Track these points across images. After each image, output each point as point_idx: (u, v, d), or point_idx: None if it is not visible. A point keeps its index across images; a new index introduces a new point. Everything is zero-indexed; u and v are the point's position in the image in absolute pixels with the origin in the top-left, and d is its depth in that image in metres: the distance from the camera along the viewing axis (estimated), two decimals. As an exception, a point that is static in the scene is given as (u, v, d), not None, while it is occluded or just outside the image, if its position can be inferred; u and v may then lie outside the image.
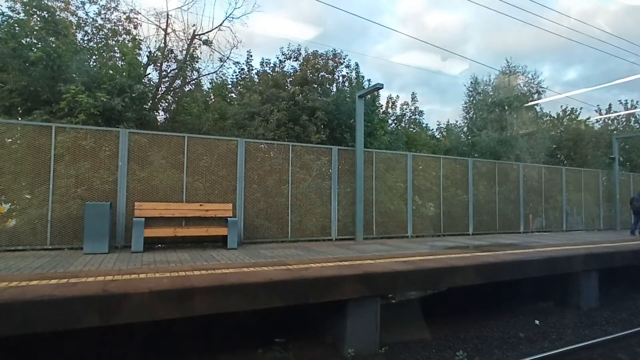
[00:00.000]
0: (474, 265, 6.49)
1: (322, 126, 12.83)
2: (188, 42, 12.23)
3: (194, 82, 14.72)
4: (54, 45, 9.18)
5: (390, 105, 20.60)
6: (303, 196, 9.25)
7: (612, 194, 15.54)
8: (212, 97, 15.44)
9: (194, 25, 12.60)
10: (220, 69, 15.06)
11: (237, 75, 15.02)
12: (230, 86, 15.70)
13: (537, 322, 6.81)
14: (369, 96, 15.61)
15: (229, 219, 7.73)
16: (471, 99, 21.69)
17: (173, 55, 12.72)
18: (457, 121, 22.84)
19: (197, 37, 12.40)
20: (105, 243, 6.71)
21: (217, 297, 4.55)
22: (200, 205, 7.96)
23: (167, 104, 14.24)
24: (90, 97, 8.60)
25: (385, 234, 10.22)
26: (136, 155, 7.82)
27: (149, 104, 10.53)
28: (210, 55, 12.97)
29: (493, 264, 6.72)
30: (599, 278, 8.08)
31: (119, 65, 10.03)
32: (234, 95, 15.33)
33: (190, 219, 7.93)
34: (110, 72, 9.32)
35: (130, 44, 10.91)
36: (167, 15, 12.99)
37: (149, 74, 11.81)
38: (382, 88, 9.49)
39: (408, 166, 10.69)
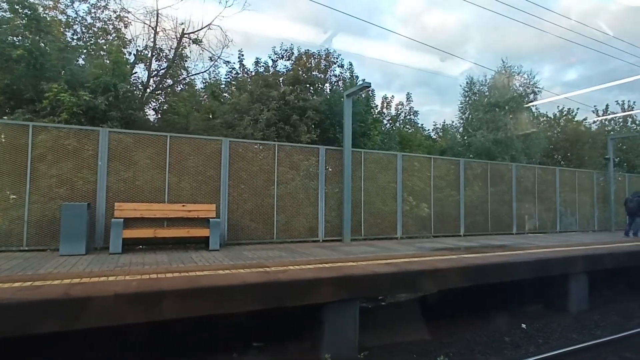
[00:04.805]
0: (459, 267, 6.35)
1: (313, 126, 12.68)
2: (177, 41, 12.09)
3: (185, 81, 14.64)
4: (36, 43, 9.04)
5: (385, 105, 20.51)
6: (290, 197, 9.10)
7: (607, 194, 15.39)
8: (204, 96, 15.32)
9: (182, 23, 12.46)
10: (213, 69, 14.99)
11: (229, 74, 14.91)
12: (224, 86, 15.59)
13: (523, 325, 6.66)
14: (362, 95, 15.56)
15: (211, 219, 7.59)
16: (467, 99, 21.52)
17: (163, 54, 12.60)
18: (453, 121, 22.69)
19: (186, 35, 12.27)
20: (82, 244, 6.57)
21: (187, 300, 4.40)
22: (183, 205, 7.82)
23: (158, 104, 14.14)
24: (72, 95, 8.46)
25: (374, 236, 10.06)
26: (118, 155, 7.68)
27: (136, 102, 10.36)
28: (200, 54, 12.84)
29: (479, 266, 6.58)
30: (590, 280, 7.94)
31: (106, 63, 9.87)
32: (227, 95, 15.22)
33: (172, 219, 7.78)
34: (94, 70, 9.17)
35: (116, 42, 10.76)
36: (157, 14, 12.90)
37: (135, 72, 11.68)
38: (370, 87, 9.39)
39: (398, 166, 10.54)
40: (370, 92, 17.30)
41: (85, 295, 3.98)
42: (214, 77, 15.53)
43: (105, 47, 12.19)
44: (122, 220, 6.94)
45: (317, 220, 9.30)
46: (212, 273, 5.23)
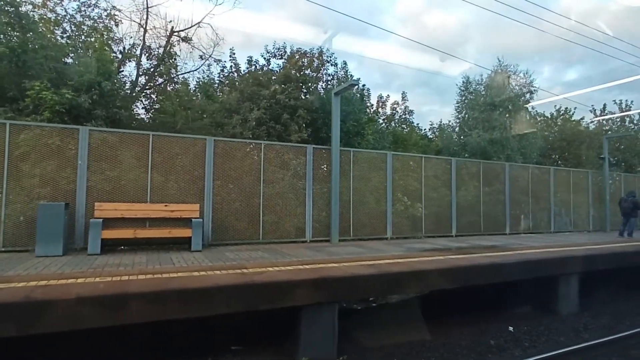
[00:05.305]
0: (444, 269, 6.19)
1: (304, 125, 12.53)
2: (166, 39, 11.94)
3: (177, 80, 14.48)
4: (19, 40, 8.91)
5: (380, 105, 20.37)
6: (277, 196, 8.96)
7: (603, 194, 15.20)
8: (198, 95, 15.18)
9: (170, 21, 12.31)
10: (206, 68, 14.85)
11: (220, 73, 14.78)
12: (217, 85, 15.46)
13: (510, 328, 6.50)
14: (358, 95, 15.39)
15: (193, 219, 7.45)
16: (463, 98, 21.34)
17: (153, 52, 12.45)
18: (449, 121, 22.51)
19: (175, 33, 12.12)
20: (59, 245, 6.43)
21: (155, 303, 4.26)
22: (166, 205, 7.68)
23: (150, 102, 14.01)
24: (55, 94, 8.33)
25: (364, 236, 9.90)
26: (99, 154, 7.54)
27: (123, 101, 10.21)
28: (190, 52, 12.70)
29: (465, 268, 6.42)
30: (582, 281, 7.78)
31: (91, 61, 9.71)
32: (221, 95, 15.07)
33: (155, 220, 7.64)
34: (79, 68, 9.04)
35: (101, 38, 10.63)
36: (147, 11, 12.77)
37: (122, 70, 11.54)
38: (358, 85, 9.31)
39: (388, 166, 10.38)
40: (365, 91, 17.19)
41: (47, 299, 3.85)
42: (208, 76, 15.45)
43: (95, 45, 12.07)
44: (100, 220, 6.81)
45: (305, 221, 9.15)
46: (186, 275, 5.09)
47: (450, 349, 5.73)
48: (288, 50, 14.25)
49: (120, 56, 11.49)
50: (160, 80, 13.41)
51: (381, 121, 19.91)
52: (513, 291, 7.54)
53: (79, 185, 7.25)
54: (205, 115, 12.87)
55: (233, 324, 5.68)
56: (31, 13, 11.59)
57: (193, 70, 13.72)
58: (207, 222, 8.06)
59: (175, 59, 12.50)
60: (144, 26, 12.36)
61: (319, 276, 5.18)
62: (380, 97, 20.29)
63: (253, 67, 13.91)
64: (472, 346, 5.85)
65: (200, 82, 15.27)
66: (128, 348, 4.93)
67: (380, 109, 20.26)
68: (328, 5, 9.82)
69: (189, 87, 14.89)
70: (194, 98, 14.57)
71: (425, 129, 23.04)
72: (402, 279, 5.79)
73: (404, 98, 20.44)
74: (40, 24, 11.98)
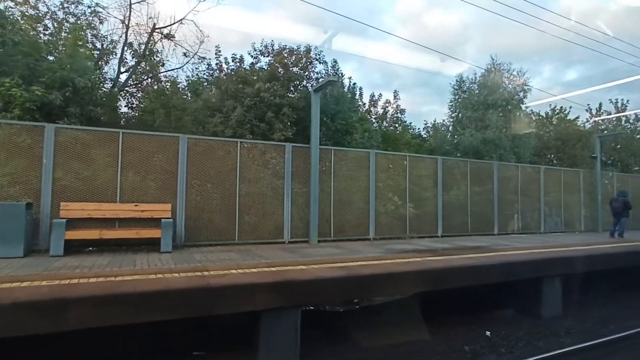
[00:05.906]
0: (417, 271, 5.95)
1: (289, 124, 12.29)
2: (147, 36, 11.73)
3: (161, 78, 14.25)
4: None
5: (372, 104, 20.14)
6: (254, 196, 8.71)
7: (595, 194, 14.93)
8: (188, 94, 14.97)
9: (150, 17, 12.10)
10: (194, 67, 14.64)
11: (205, 71, 14.56)
12: (206, 83, 15.24)
13: (488, 333, 6.26)
14: (348, 93, 15.16)
15: (162, 220, 7.21)
16: (457, 97, 21.10)
17: (135, 49, 12.23)
18: (443, 120, 22.26)
19: (157, 30, 11.90)
20: (19, 246, 6.20)
21: (101, 307, 4.03)
22: (136, 205, 7.44)
23: (137, 100, 13.80)
24: (25, 90, 8.11)
25: (346, 237, 9.64)
26: (68, 153, 7.30)
27: (99, 98, 9.98)
28: (174, 50, 12.47)
29: (439, 270, 6.18)
30: (567, 284, 7.54)
31: (64, 57, 9.49)
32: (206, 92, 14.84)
33: (124, 220, 7.40)
34: (52, 64, 8.82)
35: (74, 33, 10.41)
36: (130, 7, 12.56)
37: (100, 67, 11.30)
38: (337, 82, 9.02)
39: (371, 165, 10.12)
40: (357, 90, 16.98)
41: (-21, 304, 3.62)
42: (197, 74, 15.24)
43: (80, 42, 11.86)
44: (64, 221, 6.57)
45: (283, 221, 8.90)
46: (142, 278, 4.85)
47: (422, 354, 5.50)
48: (276, 48, 14.02)
49: (98, 52, 11.25)
50: (144, 77, 13.17)
51: (373, 120, 19.70)
52: (496, 293, 7.30)
53: (44, 185, 7.01)
54: (186, 113, 12.65)
55: (197, 328, 5.46)
56: (11, 10, 11.42)
57: (177, 68, 13.53)
58: (180, 222, 7.82)
59: (157, 57, 12.25)
60: (127, 22, 12.15)
61: (282, 279, 4.95)
62: (372, 95, 20.08)
63: (238, 64, 13.68)
64: (445, 352, 5.61)
65: (189, 80, 15.09)
66: (80, 354, 4.71)
67: (372, 108, 20.05)
68: (328, 5, 9.54)
69: (177, 85, 14.70)
70: (184, 97, 14.35)
71: (419, 129, 22.83)
72: (374, 282, 5.55)
73: (395, 97, 20.21)
74: (22, 21, 11.79)
